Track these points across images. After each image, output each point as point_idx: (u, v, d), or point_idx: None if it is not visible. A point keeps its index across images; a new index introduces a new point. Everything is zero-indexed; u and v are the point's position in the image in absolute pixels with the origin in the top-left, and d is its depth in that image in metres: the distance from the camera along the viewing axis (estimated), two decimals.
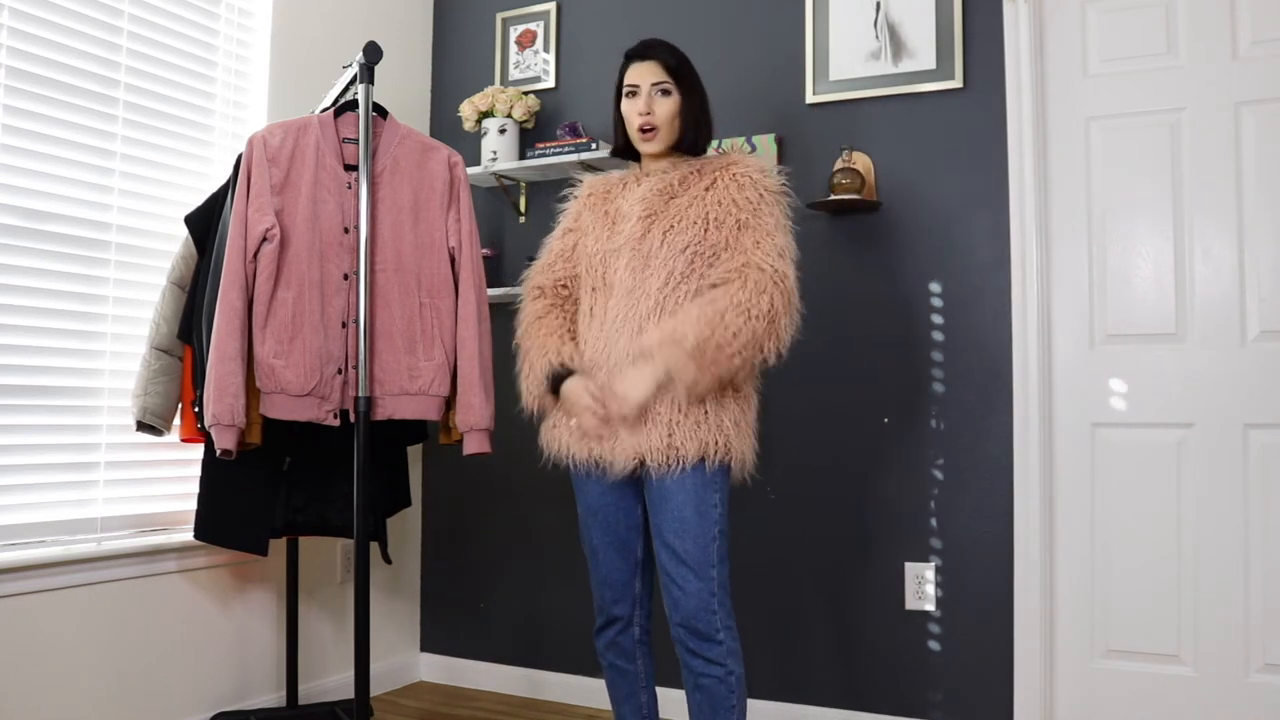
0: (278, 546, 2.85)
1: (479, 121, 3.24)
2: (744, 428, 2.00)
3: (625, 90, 2.11)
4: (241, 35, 2.89)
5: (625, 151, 2.20)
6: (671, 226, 2.02)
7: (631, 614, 2.13)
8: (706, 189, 2.03)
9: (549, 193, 3.28)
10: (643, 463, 1.96)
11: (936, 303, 2.72)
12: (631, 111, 2.09)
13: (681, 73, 2.09)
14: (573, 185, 2.32)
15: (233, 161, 2.74)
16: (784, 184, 2.07)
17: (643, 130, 2.07)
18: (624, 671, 2.16)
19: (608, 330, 2.04)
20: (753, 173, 2.04)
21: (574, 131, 3.11)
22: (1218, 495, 2.46)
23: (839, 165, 2.73)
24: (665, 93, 2.07)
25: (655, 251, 2.02)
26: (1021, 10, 2.64)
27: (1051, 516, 2.62)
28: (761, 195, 2.01)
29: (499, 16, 3.41)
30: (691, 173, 2.09)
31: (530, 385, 2.09)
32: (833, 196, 2.71)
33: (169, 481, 2.67)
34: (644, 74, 2.07)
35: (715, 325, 1.86)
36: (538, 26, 3.35)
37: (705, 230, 2.00)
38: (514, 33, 3.39)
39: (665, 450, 1.93)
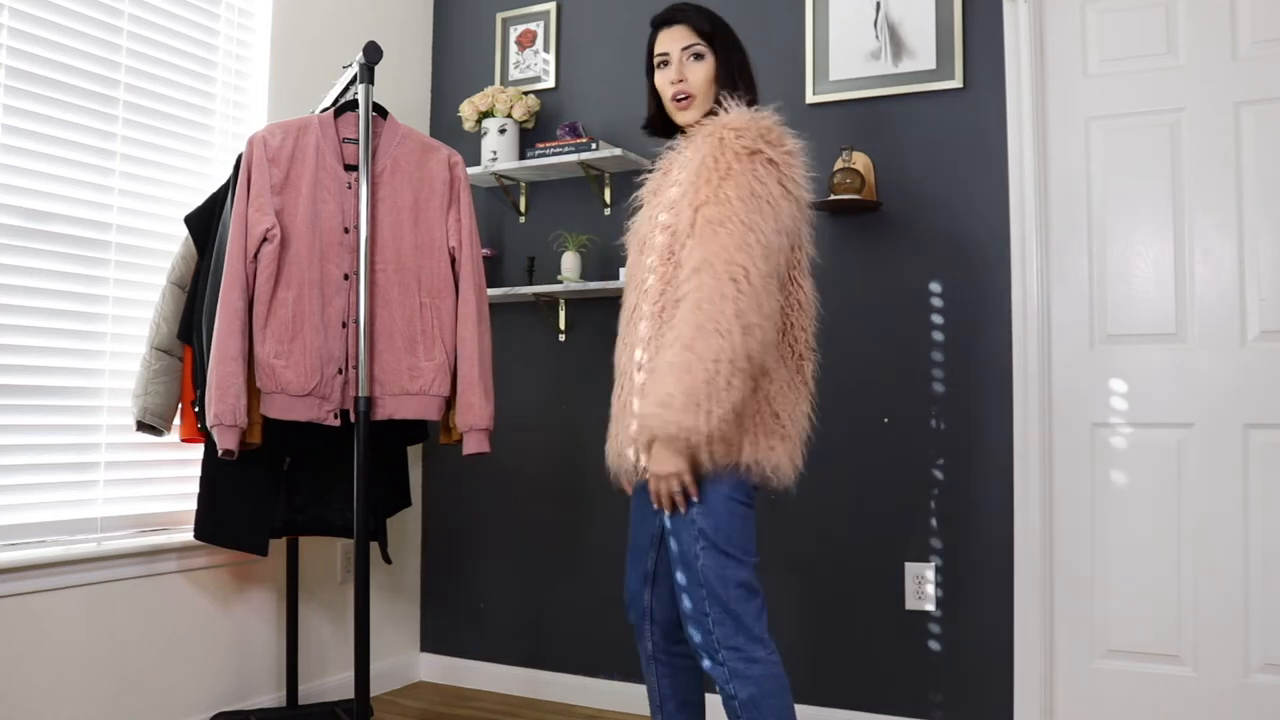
0: (278, 546, 2.85)
1: (479, 121, 3.24)
2: (746, 428, 1.76)
3: (656, 61, 1.94)
4: (241, 35, 2.89)
5: (657, 127, 2.02)
6: (659, 203, 1.89)
7: (643, 625, 2.03)
8: (691, 156, 1.84)
9: (549, 193, 3.29)
10: None
11: (936, 303, 2.72)
12: (664, 82, 1.92)
13: (714, 33, 1.92)
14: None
15: (233, 161, 2.74)
16: (770, 135, 1.78)
17: (676, 99, 1.90)
18: (646, 678, 2.07)
19: (621, 330, 1.95)
20: (726, 130, 1.78)
21: (574, 131, 3.11)
22: (1218, 495, 2.46)
23: (839, 165, 2.73)
24: (698, 56, 1.90)
25: (649, 235, 1.89)
26: (1021, 10, 2.64)
27: (1051, 516, 2.62)
28: (729, 165, 1.74)
29: (499, 16, 3.41)
30: (695, 139, 1.88)
31: None
32: (833, 196, 2.70)
33: (169, 481, 2.67)
34: (673, 40, 1.91)
35: (693, 364, 1.63)
36: (538, 26, 3.35)
37: (674, 208, 1.82)
38: (514, 33, 3.39)
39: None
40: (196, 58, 2.77)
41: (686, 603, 1.80)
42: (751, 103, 1.90)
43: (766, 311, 1.68)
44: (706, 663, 1.80)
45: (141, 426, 2.48)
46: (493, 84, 3.41)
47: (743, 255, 1.67)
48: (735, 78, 1.91)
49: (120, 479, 2.55)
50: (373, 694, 3.18)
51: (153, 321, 2.52)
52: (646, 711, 2.99)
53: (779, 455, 1.79)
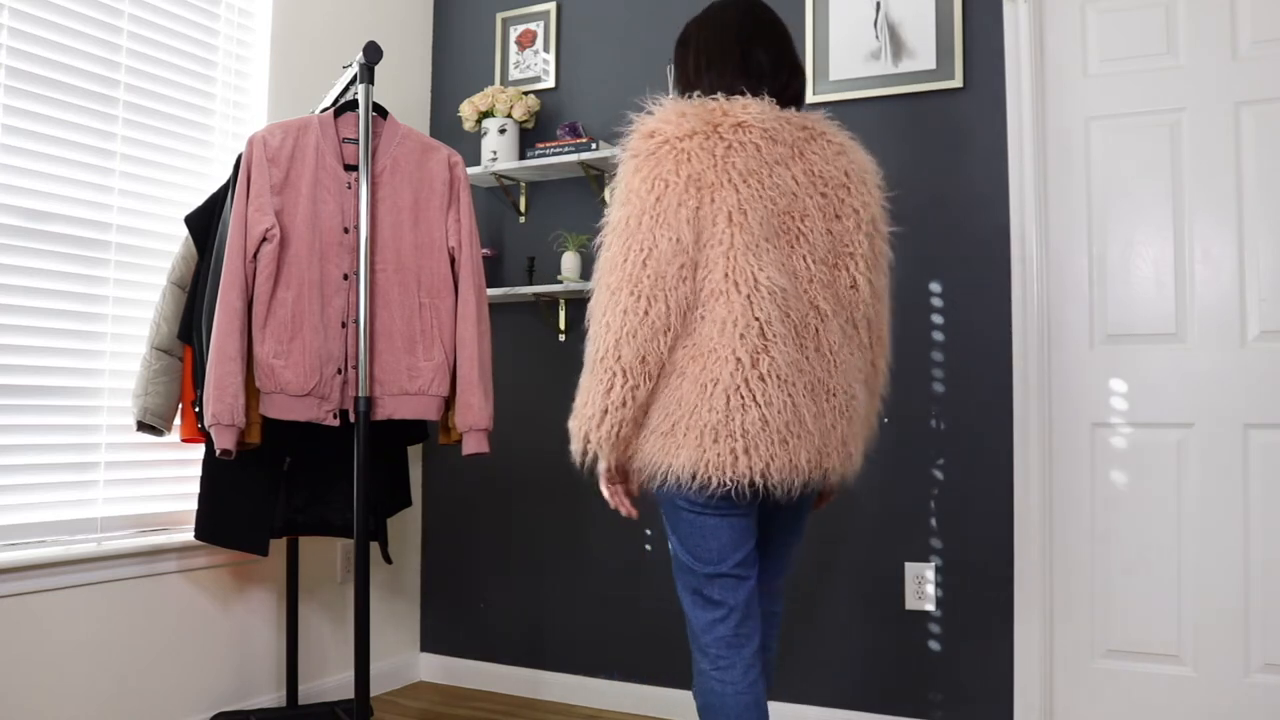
0: (278, 546, 2.85)
1: (479, 121, 3.24)
2: (663, 428, 1.66)
3: None
4: (241, 35, 2.89)
5: None
6: None
7: None
8: None
9: (549, 193, 3.29)
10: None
11: (936, 303, 2.72)
12: None
13: (676, 46, 1.89)
14: None
15: (233, 161, 2.75)
16: (647, 130, 1.69)
17: None
18: None
19: None
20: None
21: (574, 131, 3.11)
22: (1218, 495, 2.46)
23: None
24: None
25: None
26: (1021, 10, 2.64)
27: (1051, 516, 2.62)
28: (619, 176, 1.71)
29: (499, 16, 3.41)
30: None
31: None
32: None
33: (169, 481, 2.67)
34: None
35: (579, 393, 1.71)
36: (538, 26, 3.35)
37: None
38: (514, 33, 3.39)
39: None
40: (196, 58, 2.77)
41: None
42: (685, 91, 1.82)
43: (624, 312, 1.62)
44: None
45: (142, 426, 2.48)
46: (493, 84, 3.41)
47: (605, 262, 1.67)
48: (688, 80, 1.83)
49: (120, 479, 2.55)
50: (373, 694, 3.18)
51: (153, 321, 2.52)
52: (646, 711, 3.00)
53: (680, 458, 1.64)
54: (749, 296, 1.63)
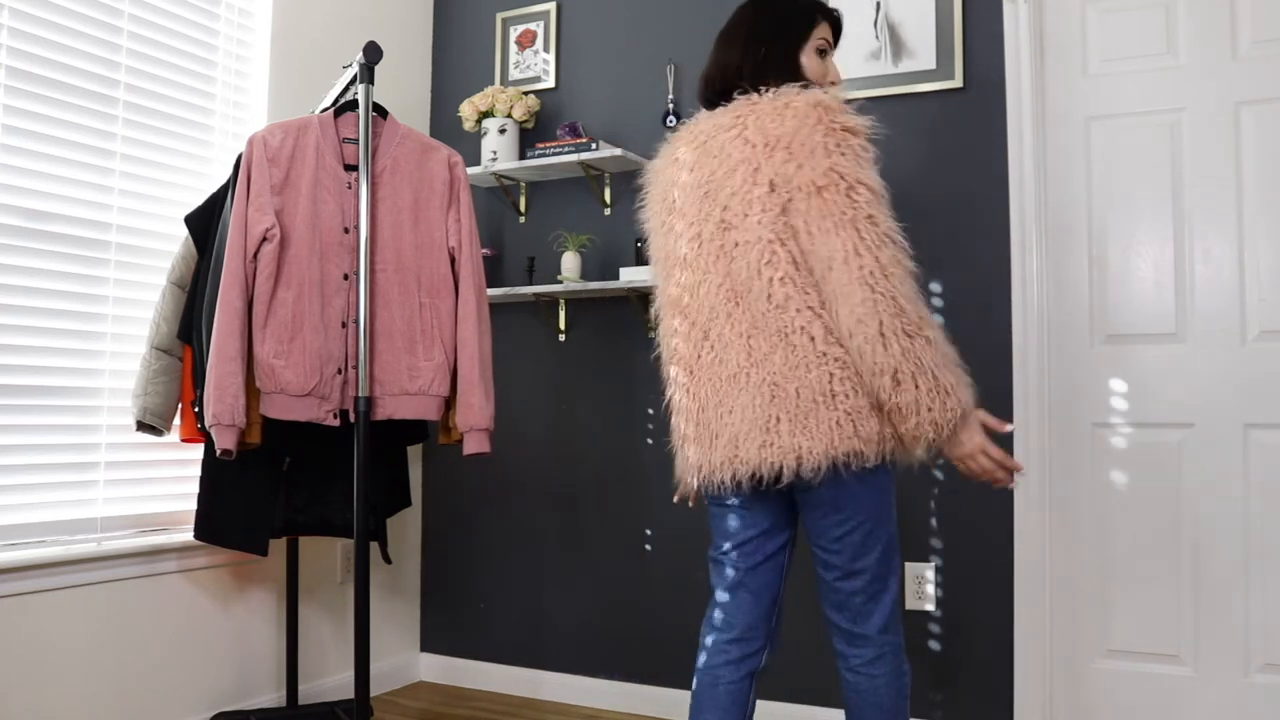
0: (278, 546, 2.85)
1: (479, 121, 3.24)
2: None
3: (819, 45, 1.81)
4: (241, 35, 2.89)
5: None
6: None
7: None
8: None
9: (549, 193, 3.29)
10: None
11: (936, 303, 2.72)
12: (830, 70, 1.84)
13: None
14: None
15: (233, 161, 2.75)
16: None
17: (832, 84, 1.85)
18: None
19: None
20: None
21: (574, 131, 3.11)
22: (1218, 495, 2.46)
23: None
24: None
25: None
26: (1021, 10, 2.64)
27: (1051, 517, 2.62)
28: None
29: (499, 16, 3.41)
30: None
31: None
32: None
33: (169, 481, 2.67)
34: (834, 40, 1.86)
35: None
36: (538, 26, 3.35)
37: None
38: (514, 33, 3.39)
39: None
40: (196, 58, 2.77)
41: None
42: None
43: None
44: None
45: (141, 426, 2.48)
46: (493, 84, 3.41)
47: None
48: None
49: (120, 479, 2.55)
50: (373, 694, 3.19)
51: (153, 321, 2.52)
52: (646, 711, 3.00)
53: (680, 460, 1.82)
54: (670, 309, 1.83)
